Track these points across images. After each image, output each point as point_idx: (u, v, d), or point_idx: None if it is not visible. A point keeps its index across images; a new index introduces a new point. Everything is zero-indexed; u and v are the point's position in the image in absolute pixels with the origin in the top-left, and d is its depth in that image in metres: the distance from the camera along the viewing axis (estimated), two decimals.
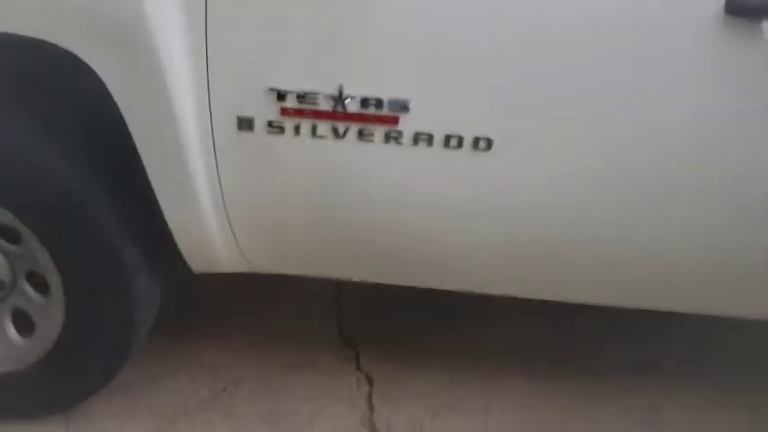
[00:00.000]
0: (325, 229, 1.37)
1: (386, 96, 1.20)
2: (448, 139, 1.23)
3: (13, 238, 1.41)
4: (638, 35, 1.15)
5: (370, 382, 1.81)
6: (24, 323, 1.51)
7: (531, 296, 1.49)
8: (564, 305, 1.51)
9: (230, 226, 1.37)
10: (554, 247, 1.34)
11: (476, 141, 1.23)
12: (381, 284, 1.52)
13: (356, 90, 1.20)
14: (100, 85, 1.20)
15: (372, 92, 1.20)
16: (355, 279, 1.49)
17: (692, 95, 1.18)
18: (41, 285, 1.46)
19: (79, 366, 1.51)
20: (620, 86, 1.19)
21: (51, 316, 1.46)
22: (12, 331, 1.52)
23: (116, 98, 1.21)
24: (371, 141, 1.24)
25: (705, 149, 1.23)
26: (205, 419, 1.68)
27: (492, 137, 1.22)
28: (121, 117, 1.23)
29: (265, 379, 1.79)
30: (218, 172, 1.29)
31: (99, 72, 1.18)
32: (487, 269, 1.41)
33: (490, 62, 1.18)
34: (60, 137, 1.32)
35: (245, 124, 1.24)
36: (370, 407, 1.73)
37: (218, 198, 1.32)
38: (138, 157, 1.27)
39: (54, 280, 1.41)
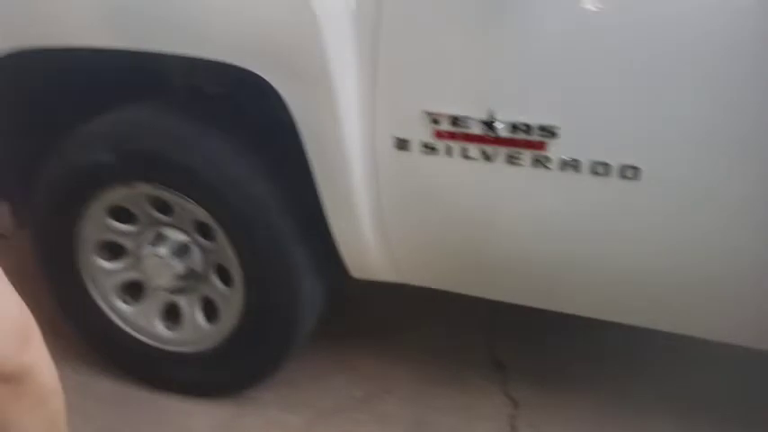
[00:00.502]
0: (471, 248, 1.45)
1: (534, 122, 1.27)
2: (595, 166, 1.26)
3: (209, 235, 1.66)
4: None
5: (515, 405, 1.83)
6: (211, 310, 1.75)
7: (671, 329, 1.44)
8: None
9: (386, 236, 1.50)
10: (690, 279, 1.31)
11: (623, 169, 1.25)
12: (536, 309, 1.56)
13: (506, 115, 1.28)
14: (284, 107, 1.39)
15: (521, 117, 1.27)
16: (498, 299, 1.54)
17: None
18: (227, 278, 1.69)
19: (252, 352, 1.72)
20: (756, 113, 1.15)
21: (233, 305, 1.68)
22: (200, 316, 1.76)
23: (296, 118, 1.39)
24: (520, 165, 1.31)
25: None
26: (355, 420, 1.80)
27: (639, 165, 1.23)
28: (299, 136, 1.41)
29: (415, 390, 1.89)
30: (378, 187, 1.43)
31: (283, 95, 1.37)
32: (632, 296, 1.39)
33: (637, 91, 1.20)
34: (251, 154, 1.55)
35: (403, 144, 1.37)
36: (513, 429, 1.75)
37: (376, 210, 1.46)
38: (311, 171, 1.44)
39: (237, 274, 1.63)
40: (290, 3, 1.31)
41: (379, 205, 1.45)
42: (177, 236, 1.69)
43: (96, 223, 1.71)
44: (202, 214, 1.59)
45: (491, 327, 2.14)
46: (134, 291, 1.81)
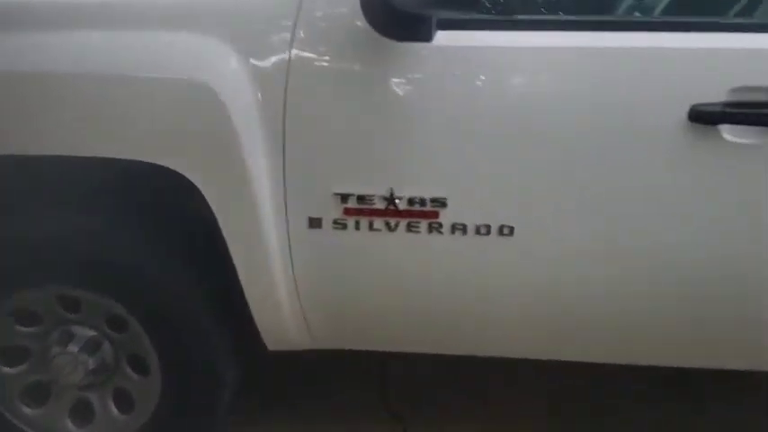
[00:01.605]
0: (381, 308, 1.65)
1: (427, 195, 1.52)
2: (478, 228, 1.54)
3: (120, 327, 1.70)
4: (619, 140, 1.46)
5: None
6: (123, 401, 1.77)
7: (555, 357, 1.74)
8: None
9: (302, 308, 1.65)
10: (571, 313, 1.61)
11: (501, 228, 1.53)
12: (424, 359, 1.77)
13: (404, 191, 1.52)
14: (198, 196, 1.52)
15: (417, 193, 1.52)
16: (409, 350, 1.75)
17: (664, 189, 1.48)
18: (141, 367, 1.73)
19: None
20: (606, 184, 1.49)
21: (149, 393, 1.72)
22: (113, 409, 1.77)
23: (212, 206, 1.52)
24: (418, 232, 1.55)
25: (679, 236, 1.51)
26: None
27: (513, 225, 1.53)
28: (214, 222, 1.54)
29: None
30: (292, 264, 1.59)
31: (198, 185, 1.50)
32: (515, 335, 1.67)
33: (507, 164, 1.49)
34: (165, 245, 1.64)
35: (315, 223, 1.56)
36: None
37: (292, 285, 1.61)
38: (229, 255, 1.57)
39: (154, 362, 1.69)
40: (200, 98, 1.45)
41: (294, 280, 1.61)
42: (86, 332, 1.72)
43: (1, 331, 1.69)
44: (115, 308, 1.65)
45: (383, 380, 2.33)
46: (38, 393, 1.78)
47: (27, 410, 1.77)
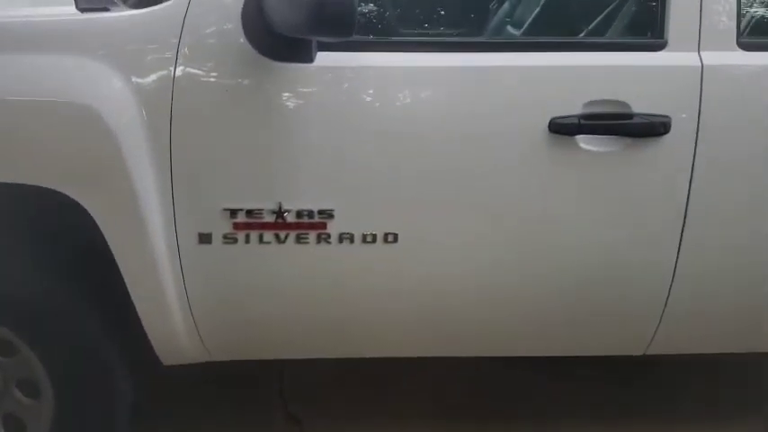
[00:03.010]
0: (274, 318, 1.70)
1: (315, 208, 1.59)
2: (365, 236, 1.62)
3: (7, 351, 1.66)
4: (490, 151, 1.59)
5: None
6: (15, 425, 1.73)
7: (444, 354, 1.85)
8: None
9: (195, 322, 1.68)
10: (452, 312, 1.73)
11: (386, 236, 1.62)
12: (321, 363, 1.84)
13: (292, 204, 1.58)
14: (86, 217, 1.52)
15: (305, 205, 1.58)
16: (303, 357, 1.82)
17: (530, 195, 1.63)
18: (31, 391, 1.70)
19: None
20: (478, 192, 1.62)
21: (42, 417, 1.69)
22: None
23: (100, 225, 1.52)
24: (307, 243, 1.61)
25: (546, 237, 1.66)
26: None
27: (397, 232, 1.62)
28: (105, 241, 1.55)
29: None
30: (184, 279, 1.62)
31: (85, 205, 1.50)
32: (402, 336, 1.77)
33: (388, 182, 1.59)
34: (52, 265, 1.62)
35: (205, 238, 1.59)
36: None
37: (184, 301, 1.64)
38: (120, 272, 1.58)
39: (46, 385, 1.66)
40: (83, 118, 1.46)
41: (186, 296, 1.63)
42: None
43: None
44: (3, 332, 1.62)
45: (281, 384, 2.37)
46: None
47: None
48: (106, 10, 1.57)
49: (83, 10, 1.56)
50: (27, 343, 1.63)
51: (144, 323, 1.64)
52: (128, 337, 1.69)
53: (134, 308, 1.62)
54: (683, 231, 1.68)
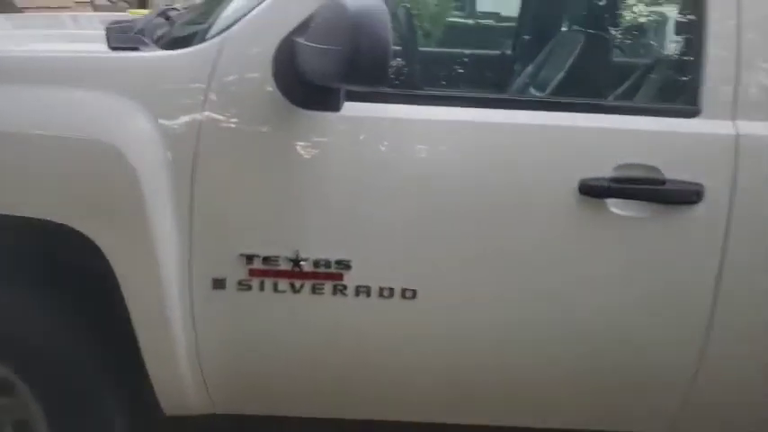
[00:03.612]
0: (285, 372, 1.64)
1: (332, 258, 1.54)
2: (382, 290, 1.57)
3: (5, 391, 1.61)
4: (516, 209, 1.55)
5: None
6: None
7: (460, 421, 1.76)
8: None
9: (202, 371, 1.61)
10: (470, 375, 1.64)
11: (404, 292, 1.57)
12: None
13: (309, 253, 1.54)
14: (99, 254, 1.48)
15: (322, 254, 1.54)
16: (312, 415, 1.73)
17: (558, 256, 1.57)
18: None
19: None
20: (503, 251, 1.57)
21: None
22: None
23: (113, 266, 1.49)
24: (322, 294, 1.56)
25: (573, 300, 1.60)
26: None
27: (416, 288, 1.57)
28: (113, 282, 1.51)
29: None
30: (194, 326, 1.57)
31: (100, 244, 1.47)
32: (417, 398, 1.68)
33: (412, 230, 1.55)
34: (58, 304, 1.58)
35: (219, 284, 1.55)
36: None
37: (193, 347, 1.58)
38: (128, 315, 1.53)
39: (42, 429, 1.59)
40: (107, 157, 1.44)
41: (195, 343, 1.58)
42: None
43: None
44: (4, 372, 1.57)
45: None
46: None
47: None
48: (136, 49, 1.58)
49: (114, 48, 1.57)
50: (27, 384, 1.57)
51: (149, 369, 1.58)
52: (131, 383, 1.63)
53: (139, 352, 1.57)
54: (714, 307, 1.60)
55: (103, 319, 1.58)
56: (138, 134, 1.47)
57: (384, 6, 1.30)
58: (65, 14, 3.24)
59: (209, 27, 1.61)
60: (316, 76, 1.41)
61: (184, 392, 1.63)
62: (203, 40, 1.55)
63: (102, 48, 1.58)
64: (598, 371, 1.64)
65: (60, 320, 1.58)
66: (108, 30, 1.65)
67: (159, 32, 1.83)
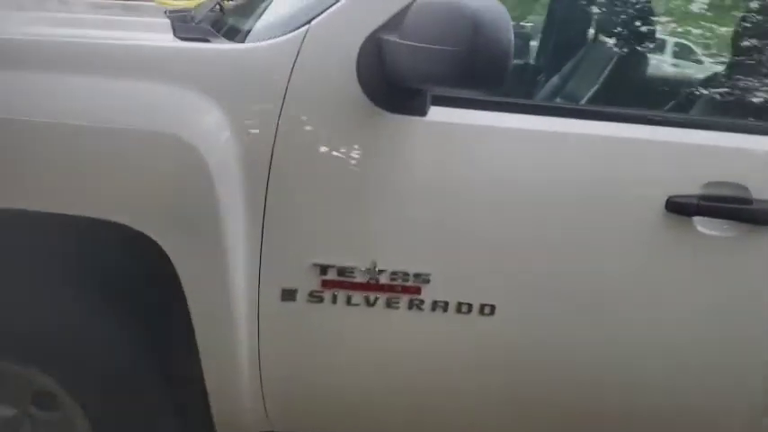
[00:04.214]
0: (353, 387, 1.55)
1: (411, 270, 1.46)
2: (460, 305, 1.49)
3: (46, 404, 1.48)
4: (602, 224, 1.49)
5: None
6: None
7: None
8: None
9: (262, 386, 1.51)
10: (551, 394, 1.58)
11: (482, 308, 1.49)
12: None
13: (387, 265, 1.45)
14: (165, 261, 1.38)
15: (400, 267, 1.46)
16: None
17: (642, 275, 1.52)
18: None
19: None
20: (590, 267, 1.51)
21: None
22: None
23: (179, 272, 1.38)
24: (397, 308, 1.48)
25: (657, 320, 1.54)
26: None
27: (495, 304, 1.49)
28: (177, 291, 1.40)
29: None
30: (258, 337, 1.47)
31: (168, 250, 1.36)
32: (493, 417, 1.61)
33: (492, 244, 1.48)
34: (113, 315, 1.47)
35: (289, 295, 1.45)
36: None
37: (255, 361, 1.48)
38: (187, 329, 1.42)
39: None
40: (183, 160, 1.34)
41: (258, 356, 1.48)
42: (4, 411, 1.48)
43: None
44: (47, 383, 1.44)
45: None
46: None
47: None
48: (206, 41, 1.47)
49: (182, 39, 1.46)
50: (75, 398, 1.45)
51: (207, 380, 1.48)
52: (183, 405, 1.53)
53: (197, 365, 1.46)
54: None
55: (161, 330, 1.46)
56: (214, 132, 1.36)
57: (504, 7, 1.22)
58: None
59: (283, 19, 1.51)
60: (414, 78, 1.32)
61: (242, 407, 1.53)
62: (282, 32, 1.44)
63: (168, 38, 1.47)
64: (677, 388, 1.59)
65: (114, 329, 1.46)
66: (172, 19, 1.53)
67: (217, 23, 1.72)
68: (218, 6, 1.91)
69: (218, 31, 1.63)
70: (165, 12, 1.89)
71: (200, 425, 1.56)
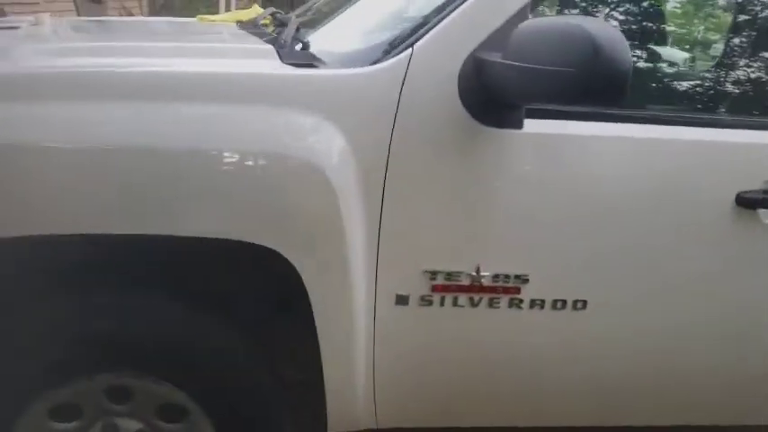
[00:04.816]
0: (457, 382, 1.66)
1: (512, 272, 1.58)
2: (555, 302, 1.62)
3: (173, 417, 1.55)
4: (681, 221, 1.63)
5: None
6: None
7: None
8: None
9: (374, 387, 1.62)
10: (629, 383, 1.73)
11: (575, 303, 1.62)
12: None
13: (489, 268, 1.57)
14: (293, 276, 1.46)
15: (502, 270, 1.57)
16: (473, 425, 1.77)
17: (718, 266, 1.68)
18: None
19: None
20: (669, 260, 1.65)
21: None
22: None
23: (307, 286, 1.46)
24: (498, 307, 1.60)
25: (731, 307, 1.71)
26: None
27: (587, 299, 1.63)
28: (307, 302, 1.48)
29: None
30: (374, 341, 1.57)
31: (297, 266, 1.44)
32: (587, 404, 1.76)
33: (583, 249, 1.61)
34: (242, 330, 1.55)
35: (402, 300, 1.55)
36: None
37: (370, 361, 1.58)
38: (311, 337, 1.51)
39: None
40: (311, 182, 1.42)
41: (373, 359, 1.58)
42: (131, 424, 1.55)
43: (34, 428, 1.47)
44: (177, 397, 1.51)
45: None
46: None
47: None
48: (313, 66, 1.55)
49: (290, 65, 1.54)
50: (205, 409, 1.52)
51: (327, 383, 1.57)
52: (304, 406, 1.62)
53: (319, 369, 1.55)
54: None
55: (284, 341, 1.55)
56: (333, 152, 1.45)
57: (616, 30, 1.34)
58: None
59: (377, 38, 1.60)
60: (523, 96, 1.43)
61: (355, 407, 1.64)
62: (383, 53, 1.53)
63: (275, 64, 1.54)
64: (749, 372, 1.76)
65: (240, 341, 1.54)
66: (274, 45, 1.61)
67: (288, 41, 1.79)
68: (279, 23, 1.98)
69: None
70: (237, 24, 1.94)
71: (313, 427, 1.66)
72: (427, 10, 1.59)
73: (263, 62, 1.55)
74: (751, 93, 1.87)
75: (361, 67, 1.52)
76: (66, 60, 1.56)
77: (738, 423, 1.89)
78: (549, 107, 1.58)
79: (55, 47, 1.88)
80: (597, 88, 1.31)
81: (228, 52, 1.79)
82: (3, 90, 1.39)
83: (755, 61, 1.90)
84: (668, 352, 1.71)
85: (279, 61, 1.55)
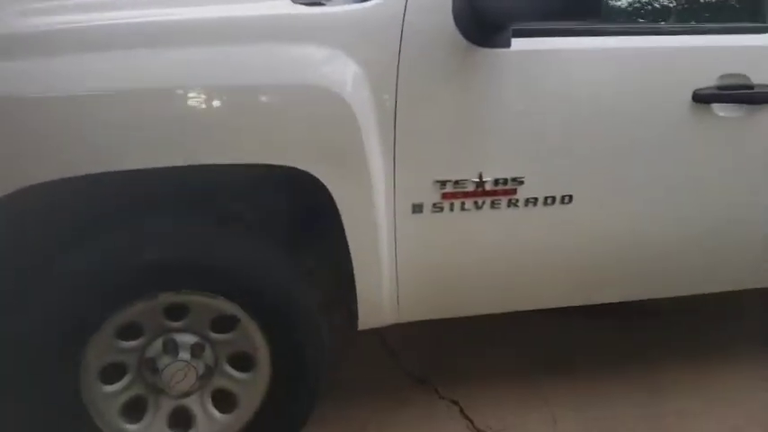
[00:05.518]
0: (468, 276, 1.92)
1: (509, 176, 1.81)
2: (546, 199, 1.87)
3: (224, 328, 1.76)
4: (649, 119, 1.89)
5: (455, 402, 2.30)
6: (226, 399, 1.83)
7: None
8: None
9: (397, 285, 1.85)
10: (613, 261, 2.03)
11: (563, 198, 1.88)
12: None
13: (490, 174, 1.80)
14: (323, 195, 1.65)
15: (501, 174, 1.80)
16: (483, 312, 2.04)
17: (679, 155, 1.95)
18: (243, 366, 1.80)
19: (276, 427, 1.85)
20: (638, 155, 1.91)
21: (255, 389, 1.81)
22: (214, 411, 1.81)
23: (337, 201, 1.67)
24: (499, 208, 1.84)
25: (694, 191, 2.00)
26: None
27: (572, 194, 1.88)
28: (334, 216, 1.69)
29: (384, 418, 2.21)
30: (395, 246, 1.79)
31: (327, 185, 1.64)
32: (576, 285, 2.04)
33: (569, 151, 1.85)
34: (287, 244, 1.75)
35: (418, 208, 1.77)
36: (470, 420, 2.22)
37: (393, 264, 1.81)
38: (345, 241, 1.72)
39: (264, 358, 1.78)
40: (332, 108, 1.61)
41: (395, 260, 1.81)
42: (188, 338, 1.75)
43: (103, 347, 1.66)
44: (231, 309, 1.71)
45: (394, 355, 2.56)
46: (135, 408, 1.76)
47: (129, 426, 1.75)
48: (321, 4, 1.70)
49: (303, 4, 1.68)
50: (255, 317, 1.73)
51: (358, 285, 1.80)
52: (337, 307, 1.84)
53: (350, 278, 1.78)
54: None
55: (320, 247, 1.76)
56: (351, 81, 1.62)
57: None
58: None
59: None
60: (509, 15, 1.62)
61: (381, 304, 1.87)
62: None
63: (286, 3, 1.69)
64: (711, 245, 2.07)
65: (288, 256, 1.75)
66: None
67: None
68: None
69: None
70: None
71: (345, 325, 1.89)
72: None
73: (277, 3, 1.69)
74: (704, 2, 2.12)
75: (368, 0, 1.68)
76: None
77: (713, 291, 2.21)
78: (533, 26, 1.78)
79: None
80: (574, 6, 1.52)
81: None
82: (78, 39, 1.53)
83: None
84: (641, 233, 2.00)
85: (290, 2, 1.70)
